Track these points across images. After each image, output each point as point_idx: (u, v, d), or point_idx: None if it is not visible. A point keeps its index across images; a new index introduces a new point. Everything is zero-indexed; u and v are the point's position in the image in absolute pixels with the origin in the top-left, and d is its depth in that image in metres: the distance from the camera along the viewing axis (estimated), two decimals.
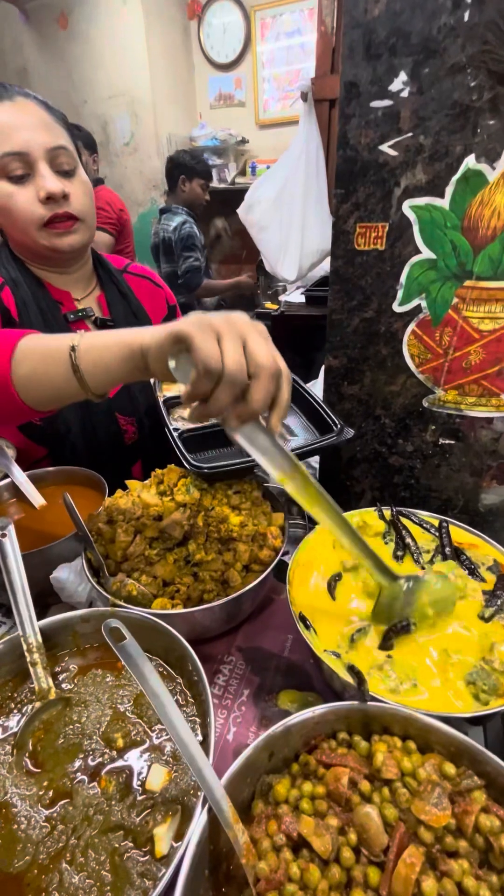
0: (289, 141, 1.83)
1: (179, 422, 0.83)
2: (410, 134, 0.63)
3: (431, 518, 0.71)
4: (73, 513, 0.65)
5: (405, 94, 0.61)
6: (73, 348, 0.53)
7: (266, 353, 0.45)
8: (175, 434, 0.74)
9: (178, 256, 2.38)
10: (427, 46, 0.59)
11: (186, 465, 0.67)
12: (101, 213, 2.34)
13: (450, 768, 0.40)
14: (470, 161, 0.62)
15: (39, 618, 0.62)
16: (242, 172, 3.64)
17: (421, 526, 0.70)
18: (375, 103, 0.63)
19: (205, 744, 0.43)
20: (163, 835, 0.39)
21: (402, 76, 0.61)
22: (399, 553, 0.66)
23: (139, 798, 0.42)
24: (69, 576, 0.66)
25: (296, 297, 1.71)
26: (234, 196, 2.56)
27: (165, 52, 3.28)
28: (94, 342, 0.53)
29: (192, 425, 0.80)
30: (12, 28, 3.37)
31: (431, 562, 0.64)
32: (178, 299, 1.14)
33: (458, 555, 0.65)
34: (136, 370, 0.52)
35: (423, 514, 0.72)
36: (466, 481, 0.86)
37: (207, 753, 0.41)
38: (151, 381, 0.91)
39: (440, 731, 0.42)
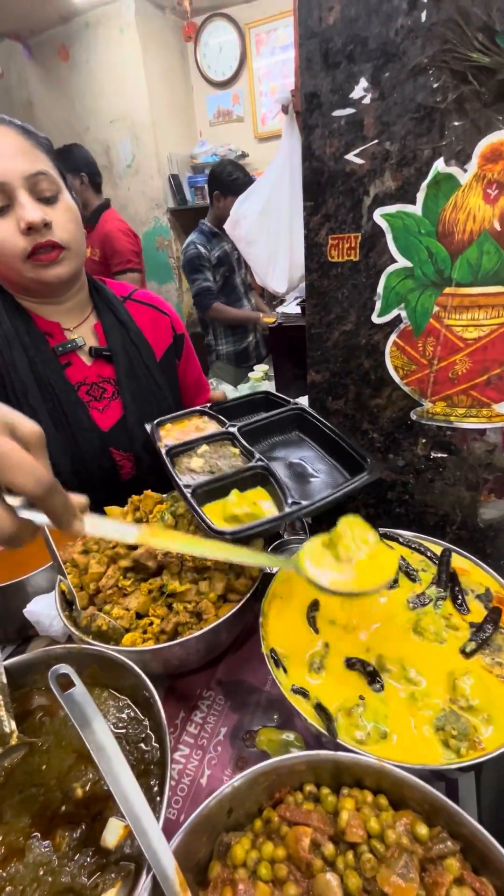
0: None
1: (188, 475, 0.70)
2: (376, 141, 0.61)
3: (421, 539, 0.67)
4: (48, 542, 0.63)
5: (367, 100, 0.59)
6: None
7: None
8: (188, 492, 0.63)
9: (189, 280, 2.35)
10: (386, 50, 0.56)
11: (210, 532, 0.57)
12: (127, 247, 2.22)
13: (422, 829, 0.36)
14: (439, 165, 0.59)
15: (20, 651, 0.60)
16: None
17: (409, 546, 0.66)
18: (337, 112, 0.61)
19: (160, 800, 0.41)
20: None
21: (363, 83, 0.59)
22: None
23: (89, 860, 0.40)
24: (43, 609, 0.64)
25: (293, 308, 1.70)
26: None
27: (164, 76, 3.34)
28: None
29: (204, 478, 0.68)
30: (17, 64, 3.50)
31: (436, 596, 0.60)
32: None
33: (452, 580, 0.61)
34: None
35: (409, 535, 0.68)
36: (463, 496, 0.81)
37: (159, 811, 0.38)
38: (147, 426, 0.83)
39: (414, 787, 0.38)
